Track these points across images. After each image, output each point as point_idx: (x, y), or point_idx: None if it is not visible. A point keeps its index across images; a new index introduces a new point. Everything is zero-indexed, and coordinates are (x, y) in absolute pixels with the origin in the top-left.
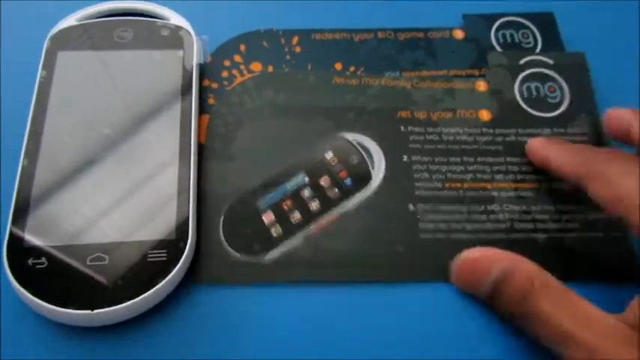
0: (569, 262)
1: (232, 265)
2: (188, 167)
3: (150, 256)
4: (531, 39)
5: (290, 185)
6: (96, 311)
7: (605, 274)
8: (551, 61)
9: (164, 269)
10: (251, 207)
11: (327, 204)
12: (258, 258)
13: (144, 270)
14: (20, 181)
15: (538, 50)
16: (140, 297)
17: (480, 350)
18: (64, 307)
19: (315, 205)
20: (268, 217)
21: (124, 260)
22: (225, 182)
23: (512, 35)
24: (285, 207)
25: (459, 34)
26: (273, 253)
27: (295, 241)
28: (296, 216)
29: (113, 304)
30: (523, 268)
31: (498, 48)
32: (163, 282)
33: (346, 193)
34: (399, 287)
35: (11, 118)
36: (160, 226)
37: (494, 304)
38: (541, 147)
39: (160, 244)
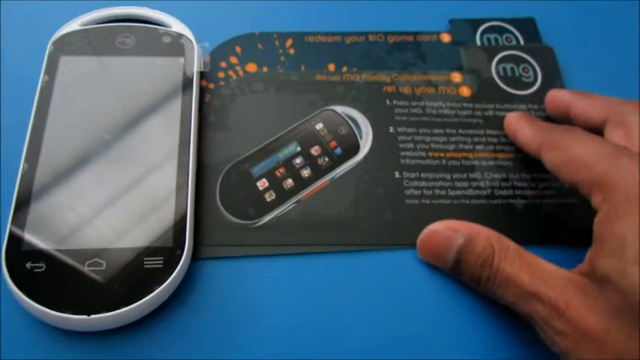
0: (548, 226)
1: (228, 229)
2: (186, 174)
3: (146, 262)
4: (514, 42)
5: (282, 154)
6: (92, 316)
7: (580, 237)
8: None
9: (160, 276)
10: (246, 174)
11: (318, 171)
12: (254, 222)
13: (140, 276)
14: (20, 185)
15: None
16: (136, 303)
17: (465, 309)
18: (61, 312)
19: (306, 173)
20: (262, 184)
21: (121, 266)
22: (221, 151)
23: (496, 39)
24: (278, 174)
25: (445, 38)
26: (267, 218)
27: (288, 207)
28: (289, 182)
29: (110, 310)
30: (483, 233)
31: None
32: (159, 289)
33: (336, 161)
34: (386, 252)
35: (12, 122)
36: (158, 233)
37: (459, 271)
38: (511, 122)
39: (157, 251)
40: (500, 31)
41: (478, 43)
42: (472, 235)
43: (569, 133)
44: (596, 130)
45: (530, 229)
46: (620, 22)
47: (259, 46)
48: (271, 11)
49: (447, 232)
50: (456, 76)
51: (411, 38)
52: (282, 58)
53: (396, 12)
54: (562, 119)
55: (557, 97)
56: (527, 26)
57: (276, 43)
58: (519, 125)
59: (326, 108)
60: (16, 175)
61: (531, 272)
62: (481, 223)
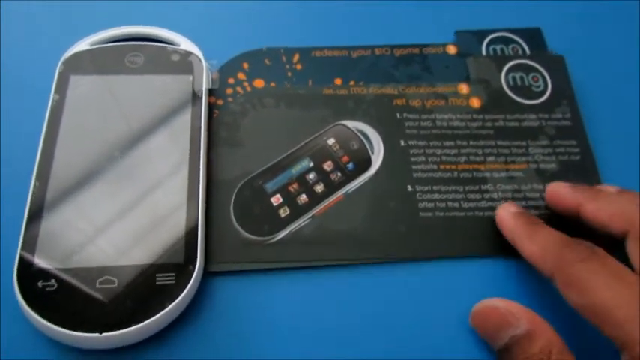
0: None
1: (243, 246)
2: (197, 190)
3: (158, 279)
4: (520, 52)
5: (295, 170)
6: (104, 334)
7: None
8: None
9: (172, 292)
10: (259, 190)
11: (331, 187)
12: (268, 238)
13: (152, 293)
14: (31, 204)
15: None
16: (148, 320)
17: None
18: (72, 330)
19: (319, 188)
20: (276, 200)
21: (132, 283)
22: (233, 167)
23: (502, 50)
24: (292, 190)
25: (451, 50)
26: (282, 234)
27: (302, 222)
28: (302, 198)
29: (121, 327)
30: (544, 334)
31: None
32: (171, 306)
33: (349, 176)
34: (403, 264)
35: (23, 141)
36: (169, 249)
37: (505, 355)
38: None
39: (169, 267)
40: (506, 41)
41: (484, 53)
42: (532, 329)
43: (590, 274)
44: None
45: None
46: (625, 29)
47: (266, 61)
48: (278, 27)
49: (508, 314)
50: (463, 88)
51: (417, 51)
52: (289, 74)
53: (402, 25)
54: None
55: (561, 196)
56: (533, 36)
57: (283, 58)
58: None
59: (337, 123)
60: (27, 194)
61: None
62: (496, 235)
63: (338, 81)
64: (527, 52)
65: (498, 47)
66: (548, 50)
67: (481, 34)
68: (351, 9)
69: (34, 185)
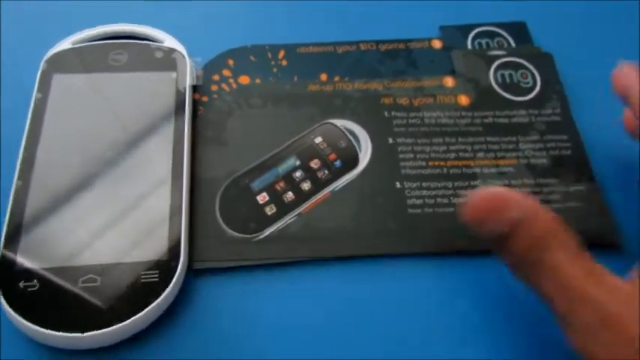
0: None
1: (229, 243)
2: (180, 187)
3: (142, 277)
4: (506, 45)
5: (282, 168)
6: (86, 334)
7: (587, 240)
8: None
9: (156, 290)
10: (246, 188)
11: (318, 184)
12: (254, 236)
13: (136, 291)
14: (13, 203)
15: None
16: (132, 319)
17: (469, 318)
18: (55, 330)
19: (306, 186)
20: (262, 198)
21: (115, 281)
22: (219, 166)
23: (487, 43)
24: (279, 188)
25: (437, 44)
26: (268, 231)
27: (289, 220)
28: (289, 196)
29: (104, 327)
30: (546, 216)
31: None
32: (155, 303)
33: (336, 174)
34: (391, 261)
35: (5, 140)
36: (152, 247)
37: (507, 244)
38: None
39: (152, 265)
40: (492, 35)
41: (469, 47)
42: (534, 212)
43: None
44: None
45: None
46: (610, 22)
47: (252, 58)
48: (263, 24)
49: (509, 197)
50: (449, 81)
51: (402, 46)
52: (275, 70)
53: (387, 20)
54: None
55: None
56: (519, 30)
57: (269, 55)
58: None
59: (325, 122)
60: (9, 193)
61: (588, 272)
62: None
63: (323, 77)
64: (513, 45)
65: (484, 41)
66: (534, 44)
67: (466, 29)
68: (335, 5)
69: (17, 184)
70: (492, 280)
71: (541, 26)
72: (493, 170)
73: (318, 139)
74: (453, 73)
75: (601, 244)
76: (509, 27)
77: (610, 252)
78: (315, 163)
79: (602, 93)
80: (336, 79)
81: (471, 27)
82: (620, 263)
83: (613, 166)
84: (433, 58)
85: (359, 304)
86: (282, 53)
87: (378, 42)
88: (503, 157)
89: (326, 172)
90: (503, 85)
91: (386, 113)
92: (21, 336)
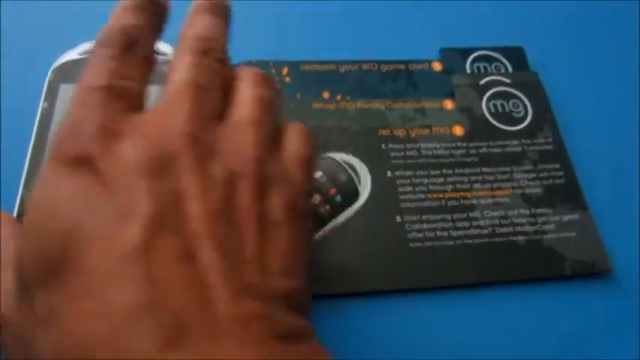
0: (549, 261)
1: None
2: None
3: None
4: (503, 70)
5: None
6: None
7: (582, 270)
8: (508, 80)
9: None
10: None
11: (319, 220)
12: None
13: None
14: (19, 212)
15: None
16: None
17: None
18: None
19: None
20: None
21: None
22: None
23: (485, 67)
24: None
25: (437, 66)
26: None
27: None
28: None
29: None
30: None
31: None
32: None
33: (336, 209)
34: (394, 298)
35: (12, 149)
36: None
37: None
38: None
39: None
40: (490, 60)
41: (468, 71)
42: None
43: None
44: None
45: (532, 265)
46: (606, 47)
47: None
48: (268, 40)
49: None
50: (448, 104)
51: (403, 67)
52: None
53: (389, 41)
54: None
55: None
56: (516, 55)
57: (272, 71)
58: None
59: (324, 156)
60: (15, 203)
61: None
62: (485, 262)
63: (325, 94)
64: (510, 70)
65: (482, 65)
66: (530, 70)
67: (465, 52)
68: (339, 24)
69: (22, 194)
70: (494, 312)
71: (539, 51)
72: (490, 201)
73: (318, 174)
74: (452, 96)
75: (594, 271)
76: (507, 52)
77: (602, 278)
78: (315, 199)
79: (597, 120)
80: (338, 97)
81: (470, 51)
82: (612, 288)
83: (607, 195)
84: (433, 80)
85: (363, 341)
86: (285, 70)
87: (379, 62)
88: (499, 188)
89: (327, 207)
90: (496, 115)
91: (383, 145)
92: None
